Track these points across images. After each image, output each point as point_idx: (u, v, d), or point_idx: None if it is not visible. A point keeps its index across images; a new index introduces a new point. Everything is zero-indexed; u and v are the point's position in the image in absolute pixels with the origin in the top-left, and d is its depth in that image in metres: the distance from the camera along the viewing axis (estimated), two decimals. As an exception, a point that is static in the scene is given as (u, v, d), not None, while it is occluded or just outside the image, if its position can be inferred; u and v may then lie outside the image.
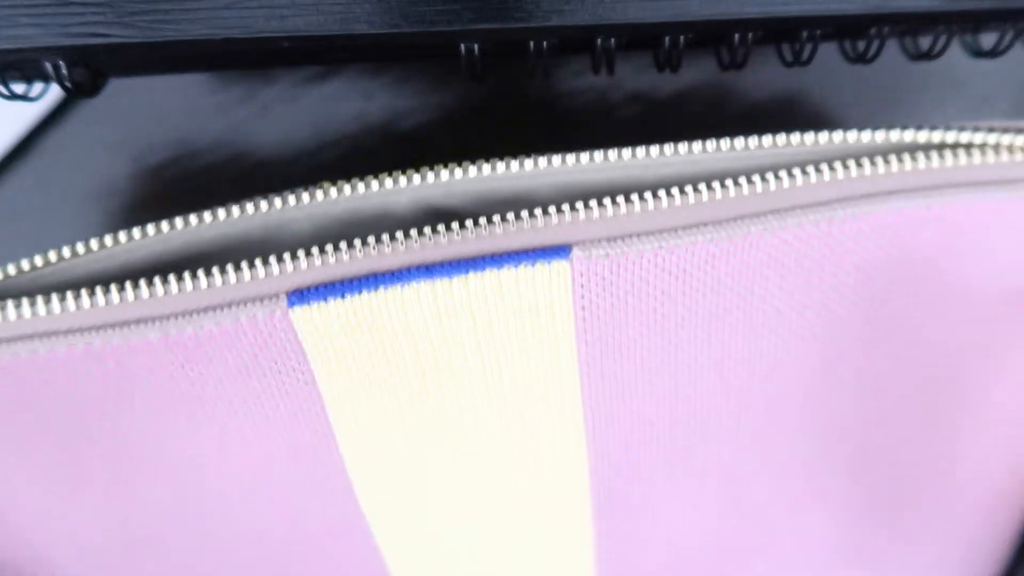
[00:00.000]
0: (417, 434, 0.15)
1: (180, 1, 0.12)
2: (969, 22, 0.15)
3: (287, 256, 0.12)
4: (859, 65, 0.15)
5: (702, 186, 0.13)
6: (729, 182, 0.13)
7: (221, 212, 0.13)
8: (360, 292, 0.13)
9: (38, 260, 0.13)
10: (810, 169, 0.13)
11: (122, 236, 0.13)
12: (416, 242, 0.13)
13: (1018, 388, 0.16)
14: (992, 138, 0.13)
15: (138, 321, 0.13)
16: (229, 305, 0.13)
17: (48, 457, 0.14)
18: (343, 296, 0.13)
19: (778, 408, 0.16)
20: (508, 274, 0.13)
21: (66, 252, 0.13)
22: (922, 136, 0.13)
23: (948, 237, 0.14)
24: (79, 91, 0.13)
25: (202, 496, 0.15)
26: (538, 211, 0.13)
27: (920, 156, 0.13)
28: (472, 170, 0.13)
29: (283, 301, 0.12)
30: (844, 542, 0.18)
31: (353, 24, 0.12)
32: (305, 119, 0.21)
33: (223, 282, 0.12)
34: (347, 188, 0.13)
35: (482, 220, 0.13)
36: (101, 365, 0.13)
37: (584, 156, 0.13)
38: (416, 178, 0.13)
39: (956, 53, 0.22)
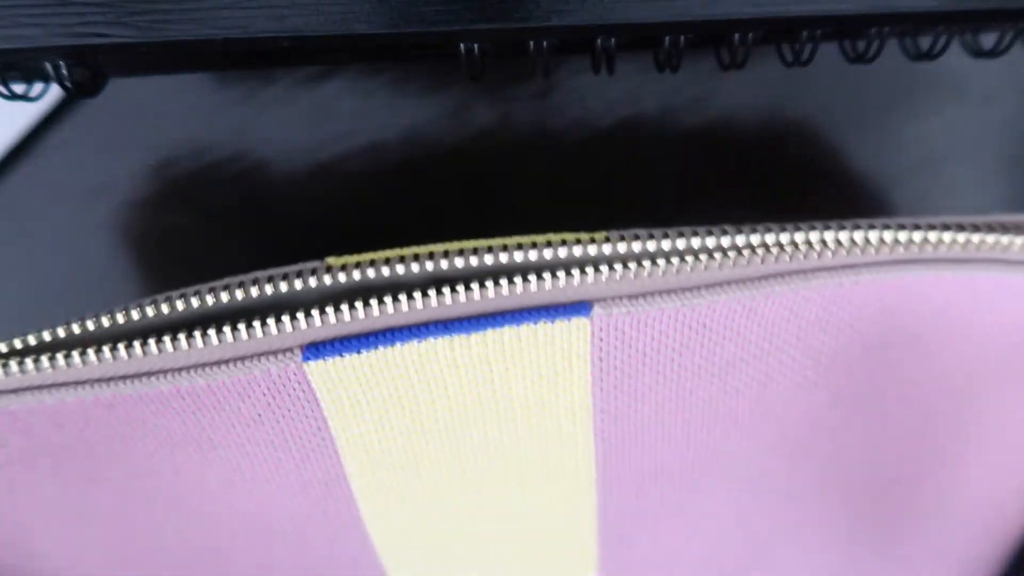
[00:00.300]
0: (429, 472, 0.15)
1: (180, 1, 0.12)
2: (969, 22, 0.15)
3: (300, 314, 0.12)
4: (859, 65, 0.15)
5: (732, 252, 0.13)
6: (760, 249, 0.13)
7: (223, 294, 0.13)
8: (376, 347, 0.12)
9: (46, 335, 0.13)
10: (844, 239, 0.13)
11: (120, 316, 0.13)
12: (433, 301, 0.12)
13: (1018, 422, 0.16)
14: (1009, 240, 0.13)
15: (148, 374, 0.12)
16: (242, 359, 0.12)
17: (60, 492, 0.14)
18: (359, 351, 0.12)
19: (787, 446, 0.16)
20: (527, 330, 0.13)
21: (60, 332, 0.13)
22: (947, 236, 0.13)
23: (967, 299, 0.14)
24: (79, 91, 0.13)
25: (212, 527, 0.15)
26: (561, 273, 0.12)
27: (948, 237, 0.13)
28: (488, 257, 0.13)
29: (298, 355, 0.12)
30: (845, 563, 0.19)
31: (353, 24, 0.12)
32: (305, 119, 0.21)
33: (235, 338, 0.12)
34: (355, 273, 0.13)
35: (502, 280, 0.12)
36: (111, 411, 0.13)
37: (607, 247, 0.13)
38: (428, 264, 0.13)
39: (956, 53, 0.22)
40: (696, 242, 0.13)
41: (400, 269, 0.13)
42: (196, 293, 0.13)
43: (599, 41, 0.14)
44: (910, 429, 0.16)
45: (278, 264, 0.23)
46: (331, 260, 0.13)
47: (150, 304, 0.13)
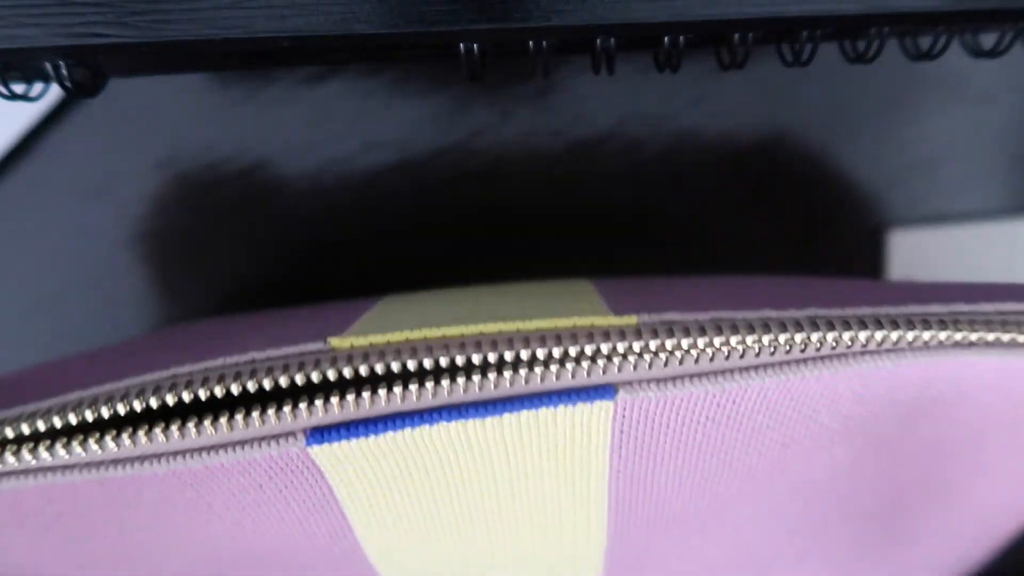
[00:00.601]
0: (439, 528, 0.15)
1: (180, 1, 0.12)
2: (969, 22, 0.15)
3: (303, 404, 0.12)
4: (859, 65, 0.15)
5: (766, 341, 0.12)
6: (798, 339, 0.12)
7: (218, 388, 0.12)
8: (385, 432, 0.12)
9: (24, 427, 0.12)
10: (895, 337, 0.12)
11: (104, 410, 0.12)
12: (446, 390, 0.12)
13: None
14: None
15: (142, 458, 0.12)
16: (242, 443, 0.12)
17: (53, 545, 0.14)
18: (366, 436, 0.12)
19: (801, 492, 0.16)
20: (546, 412, 0.12)
21: (40, 425, 0.12)
22: (1007, 336, 0.13)
23: (1007, 369, 0.13)
24: (79, 91, 0.13)
25: (213, 563, 0.15)
26: (585, 362, 0.12)
27: (1008, 337, 0.13)
28: (508, 353, 0.12)
29: (301, 440, 0.12)
30: (843, 573, 0.19)
31: (353, 24, 0.12)
32: (305, 119, 0.21)
33: (232, 427, 0.12)
34: (362, 367, 0.12)
35: (521, 369, 0.12)
36: (102, 487, 0.12)
37: (637, 343, 0.12)
38: (443, 359, 0.12)
39: (956, 53, 0.22)
40: (734, 340, 0.12)
41: (411, 364, 0.12)
42: (188, 384, 0.12)
43: (599, 41, 0.13)
44: (926, 469, 0.16)
45: (277, 263, 0.23)
46: (335, 343, 0.12)
47: (137, 397, 0.12)
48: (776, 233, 0.23)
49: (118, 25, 0.12)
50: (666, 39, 0.14)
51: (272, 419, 0.12)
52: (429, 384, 0.12)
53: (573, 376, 0.12)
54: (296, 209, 0.22)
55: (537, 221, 0.22)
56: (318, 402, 0.12)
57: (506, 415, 0.12)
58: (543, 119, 0.21)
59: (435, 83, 0.21)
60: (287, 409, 0.12)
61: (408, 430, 0.12)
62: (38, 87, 0.15)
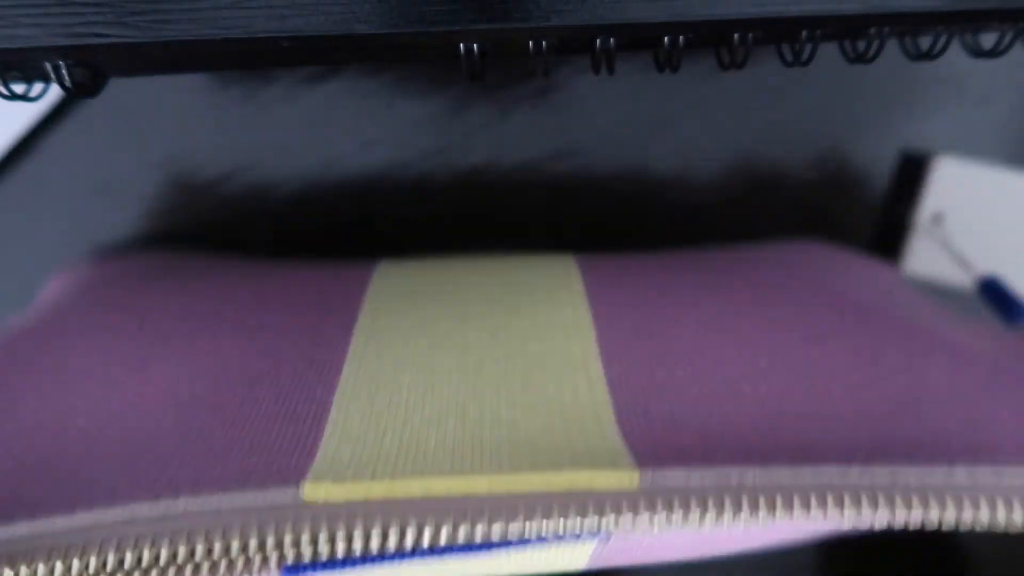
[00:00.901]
0: None
1: (180, 1, 0.12)
2: (969, 22, 0.15)
3: (275, 554, 0.11)
4: (859, 65, 0.15)
5: (779, 500, 0.11)
6: (809, 514, 0.11)
7: (182, 549, 0.11)
8: (363, 567, 0.12)
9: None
10: (915, 513, 0.12)
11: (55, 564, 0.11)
12: (428, 541, 0.11)
13: None
14: None
15: None
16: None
17: None
18: (343, 570, 0.12)
19: (785, 538, 0.16)
20: (532, 550, 0.12)
21: None
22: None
23: None
24: (79, 91, 0.13)
25: None
26: (579, 523, 0.11)
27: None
28: (497, 526, 0.11)
29: (276, 572, 0.11)
30: None
31: (353, 24, 0.12)
32: (305, 119, 0.21)
33: (194, 569, 0.11)
34: (339, 532, 0.11)
35: (513, 529, 0.11)
36: None
37: (637, 514, 0.11)
38: (427, 532, 0.11)
39: (956, 53, 0.22)
40: (741, 516, 0.11)
41: (392, 537, 0.11)
42: (154, 541, 0.11)
43: (599, 41, 0.14)
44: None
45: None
46: (308, 492, 0.11)
47: (96, 553, 0.11)
48: (776, 233, 0.23)
49: (118, 25, 0.12)
50: (666, 39, 0.14)
51: (241, 566, 0.11)
52: (411, 533, 0.11)
53: (564, 534, 0.11)
54: (296, 208, 0.22)
55: (536, 220, 0.22)
56: (291, 550, 0.11)
57: (490, 551, 0.12)
58: (543, 119, 0.21)
59: (435, 83, 0.21)
60: (258, 558, 0.11)
61: (386, 564, 0.12)
62: (38, 87, 0.15)
